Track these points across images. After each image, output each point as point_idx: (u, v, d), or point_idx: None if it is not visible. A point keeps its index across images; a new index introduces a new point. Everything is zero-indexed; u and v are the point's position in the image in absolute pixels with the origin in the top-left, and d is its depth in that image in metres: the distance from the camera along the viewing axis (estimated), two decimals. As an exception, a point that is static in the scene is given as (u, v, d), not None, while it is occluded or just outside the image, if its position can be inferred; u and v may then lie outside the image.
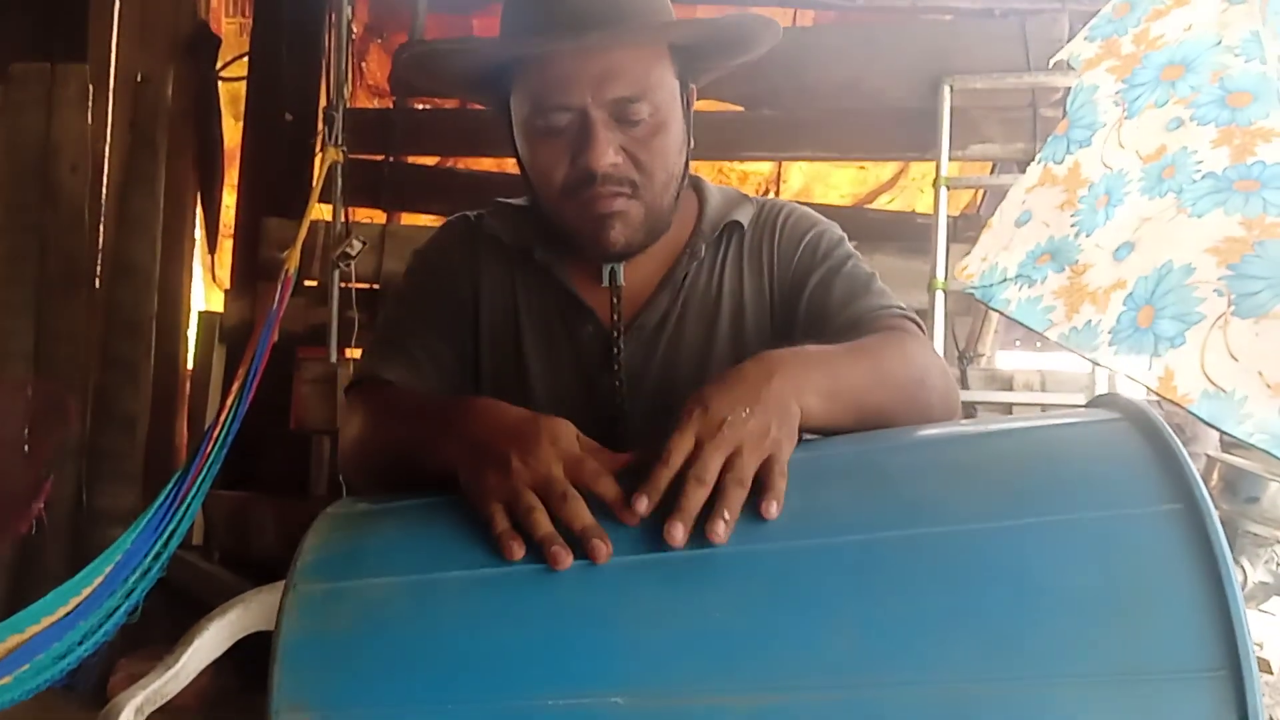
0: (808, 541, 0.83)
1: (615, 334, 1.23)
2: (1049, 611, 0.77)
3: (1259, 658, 2.07)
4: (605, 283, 1.23)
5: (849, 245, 1.29)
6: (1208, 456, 1.87)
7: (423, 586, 0.84)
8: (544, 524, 0.84)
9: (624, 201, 1.15)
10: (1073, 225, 2.51)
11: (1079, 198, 2.53)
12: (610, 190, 1.15)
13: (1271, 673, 2.08)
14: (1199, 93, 2.38)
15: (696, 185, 1.33)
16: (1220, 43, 2.39)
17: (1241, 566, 1.73)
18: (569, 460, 0.89)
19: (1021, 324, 2.50)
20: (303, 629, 0.81)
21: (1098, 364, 2.44)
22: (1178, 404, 2.11)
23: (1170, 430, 0.85)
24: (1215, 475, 1.78)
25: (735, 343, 1.24)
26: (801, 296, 1.24)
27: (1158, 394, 2.14)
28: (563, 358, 1.26)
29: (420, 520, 0.92)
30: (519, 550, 0.82)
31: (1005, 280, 2.55)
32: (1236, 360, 2.11)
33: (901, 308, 1.21)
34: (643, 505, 0.84)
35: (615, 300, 1.23)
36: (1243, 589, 1.79)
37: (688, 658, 0.77)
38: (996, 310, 2.57)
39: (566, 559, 0.81)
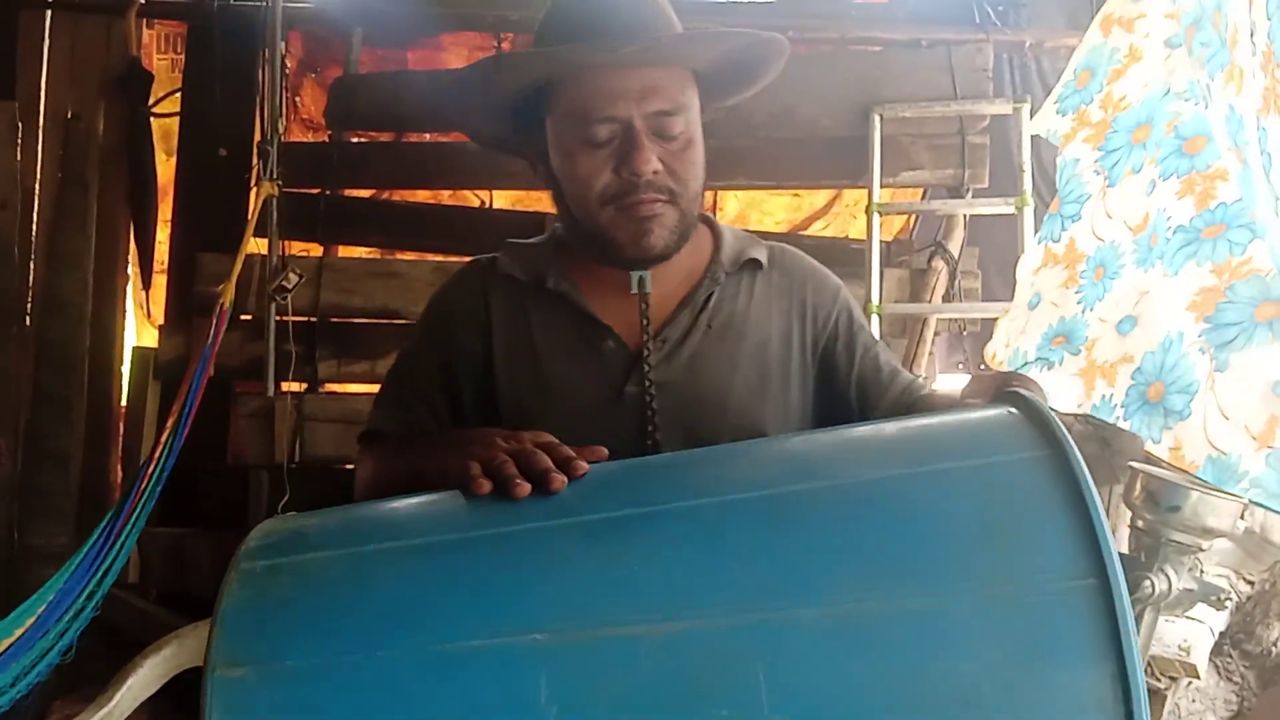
0: (713, 499, 0.91)
1: (645, 338, 1.28)
2: (929, 537, 0.83)
3: (1185, 662, 2.12)
4: (634, 289, 1.28)
5: None
6: (1131, 467, 1.91)
7: (356, 556, 0.90)
8: (510, 469, 0.95)
9: (662, 206, 1.23)
10: (1079, 303, 2.55)
11: (1079, 273, 2.56)
12: (651, 195, 1.22)
13: (1199, 676, 2.12)
14: (1161, 147, 2.43)
15: (707, 219, 1.41)
16: (1169, 91, 2.42)
17: (1166, 575, 1.76)
18: (542, 442, 1.00)
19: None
20: (242, 597, 0.85)
21: None
22: (1186, 470, 2.16)
23: (1043, 402, 0.91)
24: (1138, 486, 1.82)
25: (759, 367, 1.32)
26: (846, 358, 1.36)
27: (1169, 465, 2.18)
28: (586, 374, 1.29)
29: (360, 511, 1.01)
30: (486, 485, 0.94)
31: (1027, 364, 2.58)
32: (1228, 419, 2.15)
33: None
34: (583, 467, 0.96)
35: (644, 306, 1.29)
36: (1167, 596, 1.84)
37: (603, 597, 0.83)
38: None
39: (525, 488, 0.92)
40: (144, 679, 1.46)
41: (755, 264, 1.37)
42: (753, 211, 4.57)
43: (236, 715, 0.79)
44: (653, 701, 0.77)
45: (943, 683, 0.77)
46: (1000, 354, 2.64)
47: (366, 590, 0.87)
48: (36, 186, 3.42)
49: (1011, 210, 3.38)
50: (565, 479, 0.94)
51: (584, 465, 0.95)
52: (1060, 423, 0.87)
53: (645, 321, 1.28)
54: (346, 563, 0.90)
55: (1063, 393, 2.49)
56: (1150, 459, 2.51)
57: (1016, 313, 2.66)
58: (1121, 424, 2.34)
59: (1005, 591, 0.79)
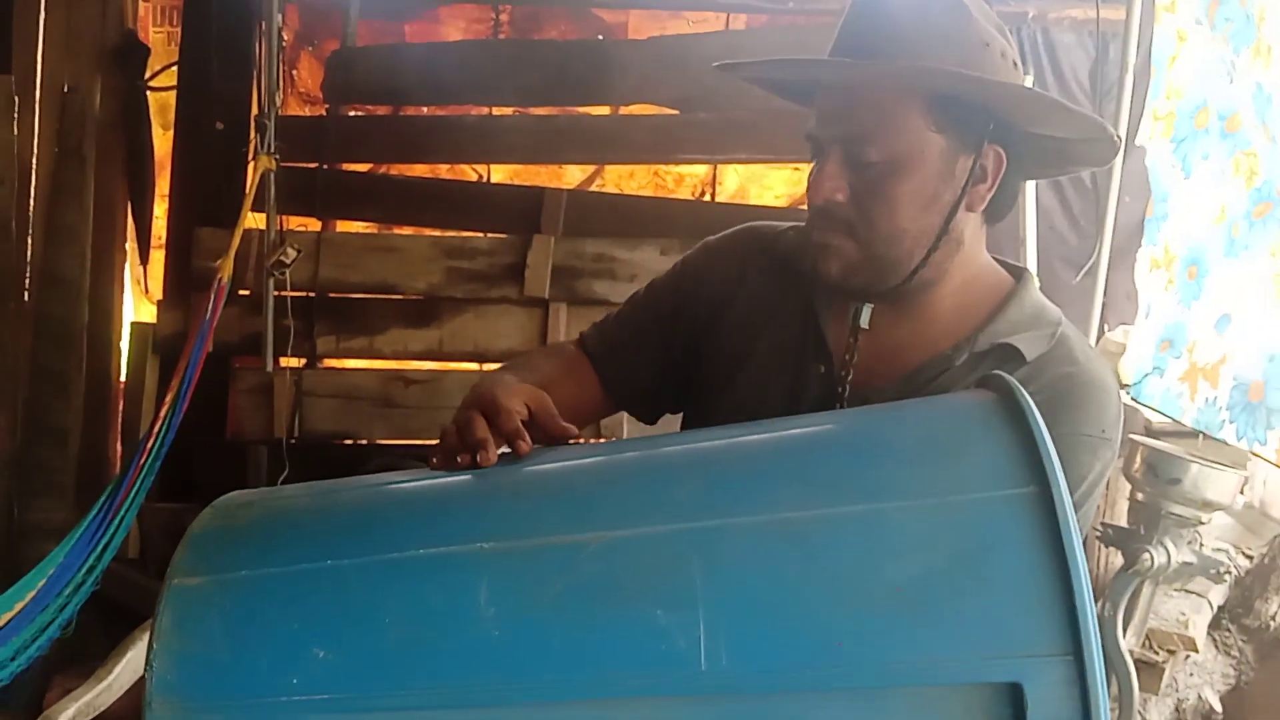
0: (673, 447, 0.98)
1: (844, 373, 1.21)
2: (873, 458, 0.86)
3: (1183, 635, 2.12)
4: (850, 320, 1.21)
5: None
6: (1132, 440, 1.92)
7: (326, 494, 0.97)
8: (480, 430, 0.99)
9: (836, 238, 1.16)
10: (1178, 304, 2.52)
11: (1175, 274, 2.53)
12: (824, 223, 1.16)
13: (1197, 650, 2.13)
14: (1213, 131, 2.38)
15: (1020, 282, 1.24)
16: (1208, 69, 2.38)
17: (1165, 547, 1.77)
18: (529, 397, 1.05)
19: (1166, 416, 2.50)
20: (211, 523, 0.92)
21: (1226, 444, 2.44)
22: None
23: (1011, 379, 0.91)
24: (1139, 458, 1.83)
25: None
26: None
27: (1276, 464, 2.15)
28: (785, 385, 1.24)
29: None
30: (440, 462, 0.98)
31: (1146, 375, 2.55)
32: None
33: None
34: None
35: (853, 340, 1.21)
36: (1166, 569, 1.84)
37: (549, 513, 0.87)
38: (1147, 407, 2.57)
39: (492, 456, 0.96)
40: (143, 653, 1.47)
41: (1014, 353, 1.17)
42: (752, 185, 4.55)
43: (188, 620, 0.83)
44: (589, 601, 0.80)
45: (878, 578, 0.78)
46: (1125, 370, 2.60)
47: (326, 516, 0.92)
48: (33, 160, 3.39)
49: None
50: (530, 445, 0.98)
51: (525, 447, 0.99)
52: (1017, 385, 0.88)
53: (849, 356, 1.21)
54: (316, 497, 0.96)
55: (1170, 400, 2.45)
56: (1149, 431, 2.51)
57: (1137, 326, 2.64)
58: (1228, 427, 2.29)
59: (945, 500, 0.80)
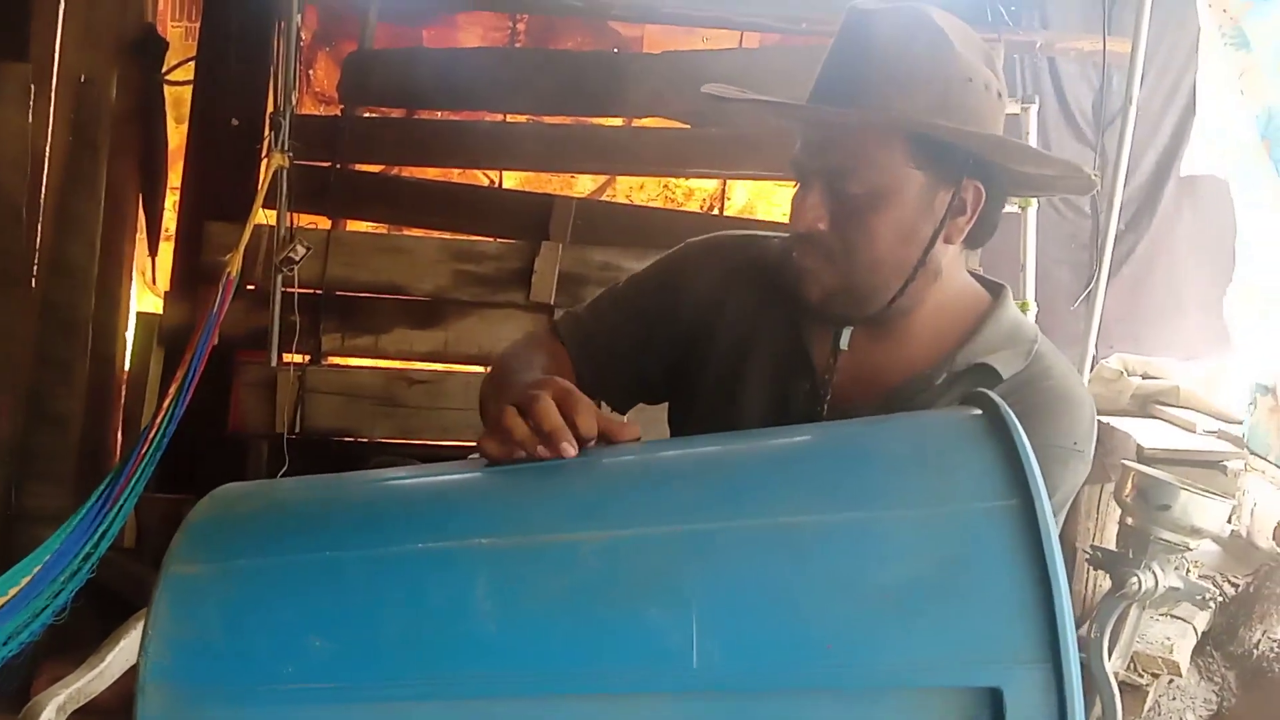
0: (673, 452, 0.99)
1: (824, 392, 1.23)
2: (865, 469, 0.88)
3: (1168, 659, 2.14)
4: (832, 343, 1.23)
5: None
6: (1123, 465, 1.94)
7: (328, 486, 0.97)
8: (519, 428, 0.93)
9: (816, 263, 1.18)
10: (1259, 339, 2.53)
11: (1256, 310, 2.53)
12: (805, 249, 1.18)
13: (1180, 674, 2.15)
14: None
15: (997, 300, 1.27)
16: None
17: (1153, 572, 1.79)
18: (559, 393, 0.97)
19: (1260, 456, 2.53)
20: (210, 511, 0.91)
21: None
22: None
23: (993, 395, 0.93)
24: (1129, 484, 1.84)
25: None
26: None
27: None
28: (770, 404, 1.26)
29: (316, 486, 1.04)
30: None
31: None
32: None
33: None
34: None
35: (832, 360, 1.23)
36: (1153, 593, 1.86)
37: (550, 512, 0.87)
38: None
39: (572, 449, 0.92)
40: (136, 641, 1.48)
41: (990, 372, 1.20)
42: (761, 202, 4.58)
43: (184, 607, 0.82)
44: (585, 599, 0.80)
45: (869, 585, 0.79)
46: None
47: (326, 508, 0.92)
48: (47, 149, 3.42)
49: (1016, 209, 3.38)
50: (575, 448, 0.92)
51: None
52: (1003, 403, 0.90)
53: (828, 376, 1.23)
54: (318, 489, 0.96)
55: (1259, 438, 2.46)
56: (1140, 458, 2.53)
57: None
58: None
59: (933, 510, 0.82)
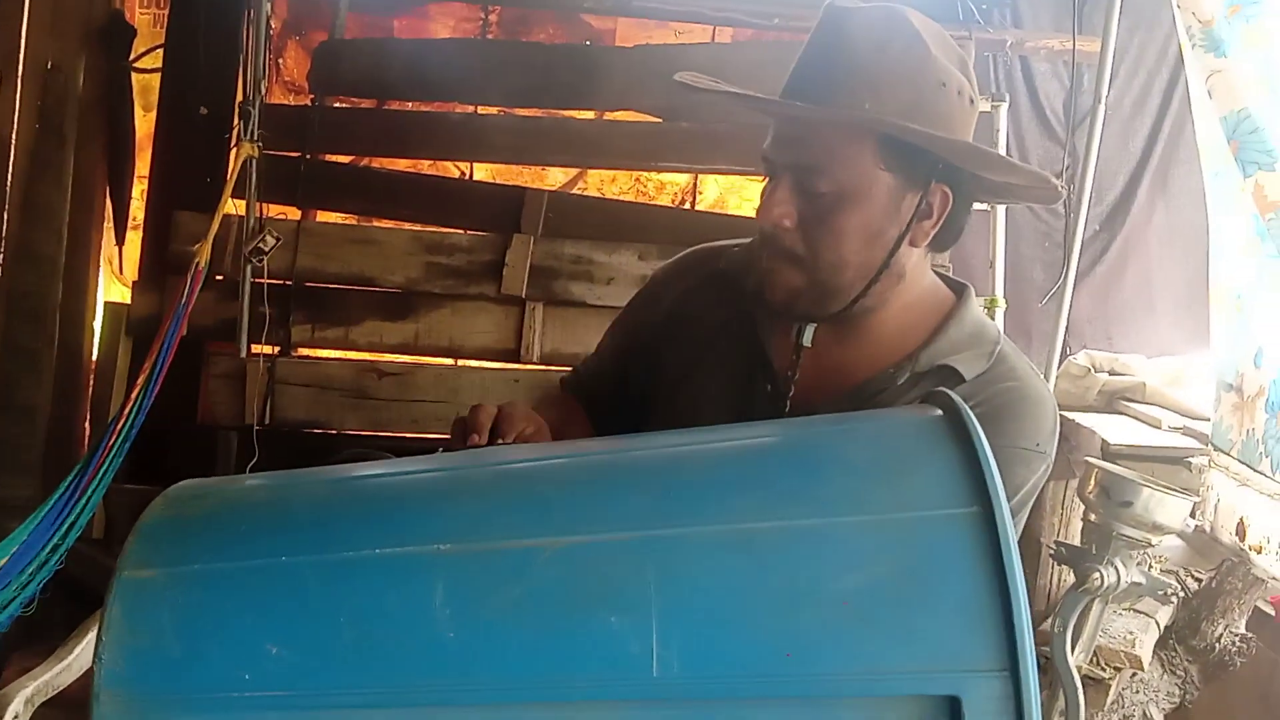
0: (633, 452, 0.98)
1: (787, 391, 1.24)
2: (824, 475, 0.88)
3: (1130, 654, 2.17)
4: (793, 338, 1.24)
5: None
6: (1087, 462, 1.95)
7: (282, 486, 0.96)
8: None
9: (782, 265, 1.18)
10: (1227, 338, 2.55)
11: (1226, 310, 2.55)
12: (772, 249, 1.18)
13: (1143, 668, 2.17)
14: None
15: (961, 300, 1.28)
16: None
17: (1115, 568, 1.80)
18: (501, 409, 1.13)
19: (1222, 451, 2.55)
20: (163, 514, 0.90)
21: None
22: None
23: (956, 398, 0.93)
24: (1092, 480, 1.85)
25: None
26: None
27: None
28: (729, 405, 1.27)
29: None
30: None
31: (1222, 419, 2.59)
32: None
33: None
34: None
35: (795, 358, 1.24)
36: (1116, 588, 1.88)
37: (507, 516, 0.87)
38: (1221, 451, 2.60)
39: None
40: (105, 633, 1.47)
41: (953, 374, 1.21)
42: (732, 196, 4.58)
43: (138, 613, 0.81)
44: (544, 606, 0.80)
45: (828, 591, 0.80)
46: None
47: (282, 511, 0.91)
48: (13, 137, 3.38)
49: (985, 207, 3.40)
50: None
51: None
52: (964, 405, 0.90)
53: (791, 374, 1.24)
54: (275, 489, 0.96)
55: (1221, 434, 2.48)
56: (1105, 454, 2.56)
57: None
58: (1266, 463, 2.33)
59: (893, 517, 0.82)
